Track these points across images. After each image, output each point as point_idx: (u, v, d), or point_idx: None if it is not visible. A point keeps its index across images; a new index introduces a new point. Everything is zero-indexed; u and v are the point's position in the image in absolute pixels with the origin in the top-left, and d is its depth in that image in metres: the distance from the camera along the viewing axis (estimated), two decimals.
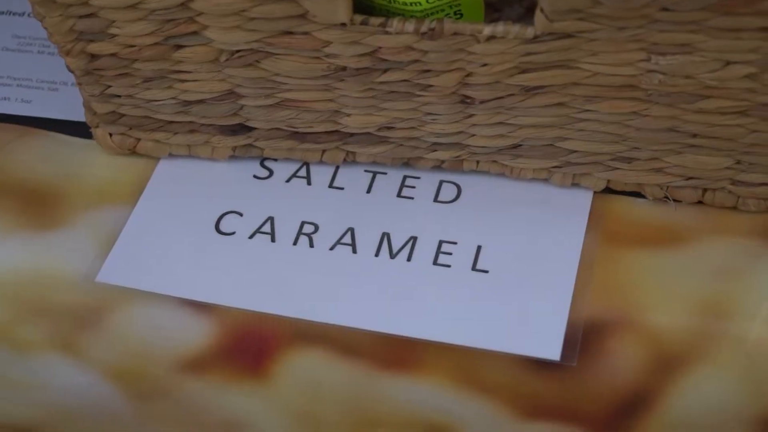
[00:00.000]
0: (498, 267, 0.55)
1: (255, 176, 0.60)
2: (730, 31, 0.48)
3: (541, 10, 0.49)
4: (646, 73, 0.51)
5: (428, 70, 0.53)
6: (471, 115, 0.55)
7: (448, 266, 0.56)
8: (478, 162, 0.58)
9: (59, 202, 0.59)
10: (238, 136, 0.59)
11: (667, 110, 0.53)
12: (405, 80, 0.54)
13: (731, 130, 0.53)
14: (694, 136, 0.54)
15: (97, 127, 0.60)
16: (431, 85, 0.54)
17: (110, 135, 0.60)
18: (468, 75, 0.53)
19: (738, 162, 0.55)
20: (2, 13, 0.71)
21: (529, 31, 0.50)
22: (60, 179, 0.61)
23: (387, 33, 0.51)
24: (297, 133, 0.58)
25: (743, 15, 0.47)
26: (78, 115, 0.62)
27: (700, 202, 0.57)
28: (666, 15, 0.48)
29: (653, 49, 0.50)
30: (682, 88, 0.51)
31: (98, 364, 0.57)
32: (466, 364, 0.54)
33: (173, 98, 0.57)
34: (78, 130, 0.62)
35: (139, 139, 0.60)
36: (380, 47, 0.52)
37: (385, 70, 0.54)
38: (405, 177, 0.60)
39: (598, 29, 0.49)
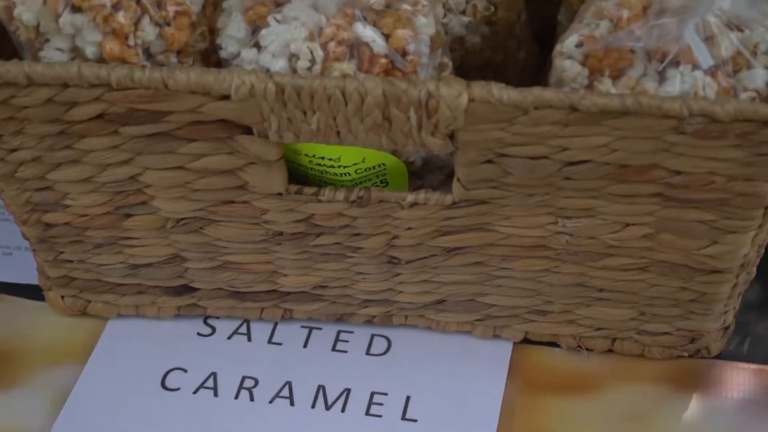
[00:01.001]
0: (426, 416, 0.57)
1: (199, 333, 0.62)
2: (626, 197, 0.50)
3: (458, 180, 0.51)
4: (555, 235, 0.53)
5: (358, 234, 0.55)
6: (398, 274, 0.57)
7: (380, 416, 0.57)
8: (406, 317, 0.60)
9: (13, 363, 0.61)
10: (183, 297, 0.61)
11: (575, 267, 0.55)
12: (337, 243, 0.56)
13: (633, 285, 0.55)
14: (601, 290, 0.56)
15: (50, 290, 0.62)
16: (361, 248, 0.56)
17: (62, 297, 0.62)
18: (394, 237, 0.55)
19: (642, 313, 0.57)
20: None
21: (448, 198, 0.52)
22: (14, 340, 0.62)
23: (320, 201, 0.54)
24: (238, 292, 0.60)
25: (637, 183, 0.49)
26: (31, 278, 0.63)
27: (610, 351, 0.59)
28: (569, 183, 0.50)
29: (560, 213, 0.52)
30: (587, 248, 0.54)
31: None
32: None
33: (122, 262, 0.59)
34: (31, 292, 0.63)
35: (89, 301, 0.62)
36: (314, 214, 0.54)
37: (319, 234, 0.56)
38: (339, 332, 0.61)
39: (509, 196, 0.52)
